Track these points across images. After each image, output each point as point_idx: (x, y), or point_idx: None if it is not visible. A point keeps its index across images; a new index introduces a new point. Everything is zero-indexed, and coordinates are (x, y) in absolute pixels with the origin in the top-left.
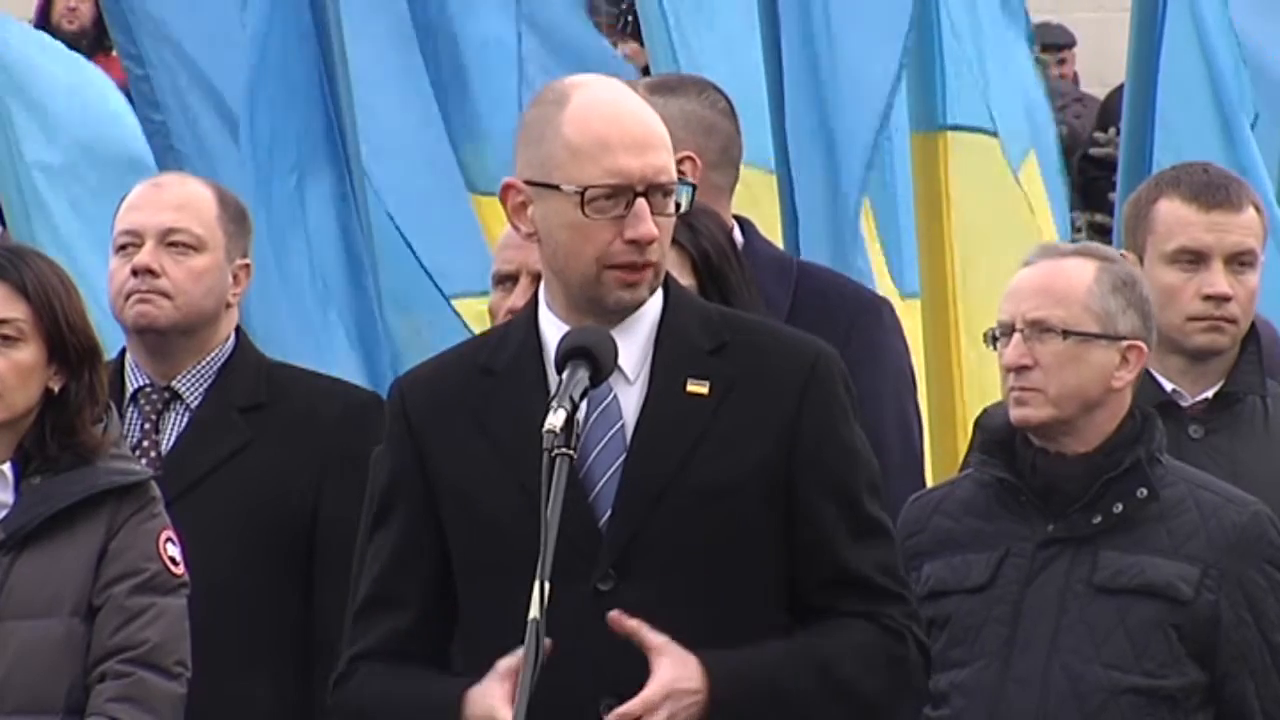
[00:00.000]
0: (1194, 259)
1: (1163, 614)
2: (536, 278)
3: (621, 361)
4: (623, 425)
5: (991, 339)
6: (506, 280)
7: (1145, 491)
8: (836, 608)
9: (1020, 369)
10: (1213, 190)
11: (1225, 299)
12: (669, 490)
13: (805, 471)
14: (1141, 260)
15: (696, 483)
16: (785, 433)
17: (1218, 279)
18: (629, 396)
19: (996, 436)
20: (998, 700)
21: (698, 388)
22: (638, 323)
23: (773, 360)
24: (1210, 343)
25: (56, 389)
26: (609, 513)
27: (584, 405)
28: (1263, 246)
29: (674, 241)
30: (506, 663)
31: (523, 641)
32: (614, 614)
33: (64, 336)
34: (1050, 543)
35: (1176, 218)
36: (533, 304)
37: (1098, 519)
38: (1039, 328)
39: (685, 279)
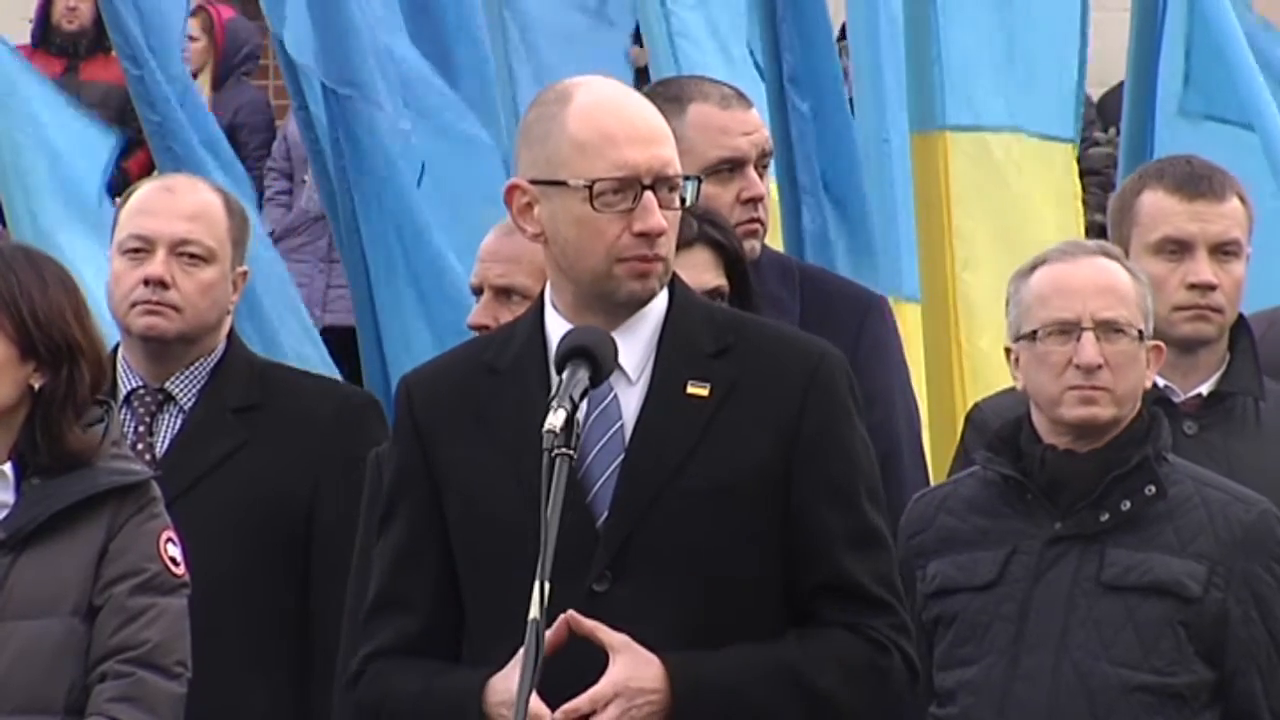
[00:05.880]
0: (1178, 249)
1: (1171, 612)
2: (497, 292)
3: (624, 361)
4: (621, 426)
5: (1033, 336)
6: (475, 293)
7: (1154, 489)
8: (823, 615)
9: (1096, 368)
10: (1195, 181)
11: (1210, 288)
12: (665, 492)
13: (804, 473)
14: (1127, 253)
15: (693, 485)
16: (785, 434)
17: (1202, 268)
18: (630, 397)
19: (1002, 434)
20: (1005, 697)
21: (698, 390)
22: (642, 323)
23: (776, 363)
24: (1196, 332)
25: (38, 387)
26: (606, 513)
27: (584, 405)
28: (1248, 237)
29: (708, 241)
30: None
31: (523, 641)
32: (570, 614)
33: (31, 333)
34: (1058, 540)
35: (1160, 208)
36: (538, 303)
37: (1105, 517)
38: (1110, 327)
39: (717, 280)
